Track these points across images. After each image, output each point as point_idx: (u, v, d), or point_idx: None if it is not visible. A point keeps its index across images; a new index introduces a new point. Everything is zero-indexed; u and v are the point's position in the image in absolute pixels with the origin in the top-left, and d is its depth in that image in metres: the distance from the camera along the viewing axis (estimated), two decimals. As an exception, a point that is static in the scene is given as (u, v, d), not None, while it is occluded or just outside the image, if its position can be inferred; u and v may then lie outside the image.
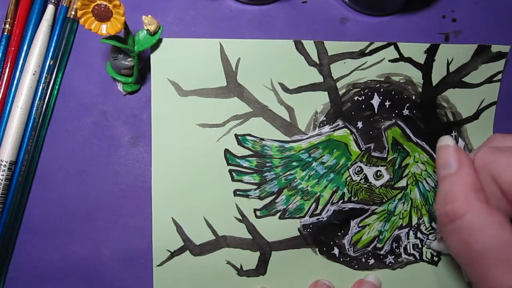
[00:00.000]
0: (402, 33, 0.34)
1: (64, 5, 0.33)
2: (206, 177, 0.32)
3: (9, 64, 0.32)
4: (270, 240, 0.33)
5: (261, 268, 0.33)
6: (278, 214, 0.33)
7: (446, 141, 0.27)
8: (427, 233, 0.34)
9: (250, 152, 0.33)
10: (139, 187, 0.33)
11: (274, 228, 0.33)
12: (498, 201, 0.24)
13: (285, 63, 0.32)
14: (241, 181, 0.33)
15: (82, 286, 0.33)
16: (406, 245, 0.34)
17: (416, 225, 0.34)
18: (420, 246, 0.34)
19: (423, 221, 0.34)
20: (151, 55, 0.31)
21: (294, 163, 0.33)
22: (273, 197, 0.33)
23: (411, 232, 0.34)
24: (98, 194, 0.33)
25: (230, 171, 0.32)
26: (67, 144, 0.33)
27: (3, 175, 0.31)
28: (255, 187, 0.33)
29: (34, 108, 0.32)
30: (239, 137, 0.32)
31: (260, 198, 0.33)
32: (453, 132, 0.34)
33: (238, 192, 0.32)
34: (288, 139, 0.33)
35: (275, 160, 0.33)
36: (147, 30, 0.29)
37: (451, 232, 0.25)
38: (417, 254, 0.34)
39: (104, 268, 0.33)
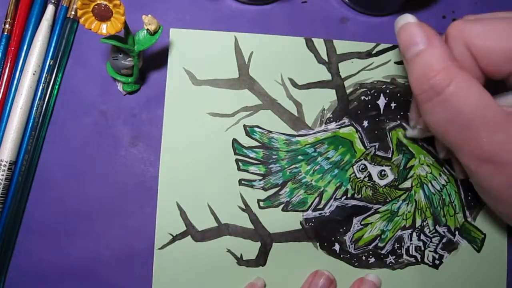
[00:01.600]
0: None
1: (64, 5, 0.33)
2: (213, 165, 0.33)
3: (9, 64, 0.32)
4: (272, 231, 0.33)
5: (261, 259, 0.33)
6: (281, 206, 0.33)
7: (406, 19, 0.26)
8: (431, 236, 0.34)
9: (257, 144, 0.33)
10: (139, 187, 0.33)
11: (276, 220, 0.33)
12: (471, 71, 0.25)
13: (296, 59, 0.34)
14: (247, 171, 0.33)
15: (82, 286, 0.33)
16: (408, 246, 0.34)
17: (419, 227, 0.34)
18: (422, 248, 0.33)
19: (427, 223, 0.34)
20: (170, 44, 0.33)
21: (300, 157, 0.34)
22: (277, 189, 0.33)
23: (414, 234, 0.34)
24: (98, 194, 0.33)
25: (237, 160, 0.33)
26: (67, 144, 0.33)
27: (3, 175, 0.31)
28: (260, 177, 0.33)
29: (34, 108, 0.32)
30: (248, 128, 0.33)
31: (264, 189, 0.33)
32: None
33: (243, 182, 0.33)
34: (295, 133, 0.34)
35: (281, 153, 0.34)
36: (147, 29, 0.29)
37: (437, 105, 0.24)
38: (418, 256, 0.33)
39: (104, 268, 0.33)
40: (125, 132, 0.33)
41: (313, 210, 0.33)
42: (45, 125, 0.33)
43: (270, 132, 0.34)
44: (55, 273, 0.32)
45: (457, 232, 0.34)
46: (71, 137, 0.33)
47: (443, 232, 0.34)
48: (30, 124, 0.32)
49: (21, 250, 0.33)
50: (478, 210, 0.34)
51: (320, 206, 0.33)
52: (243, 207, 0.33)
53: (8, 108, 0.32)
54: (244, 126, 0.33)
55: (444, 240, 0.34)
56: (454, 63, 0.24)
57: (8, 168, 0.31)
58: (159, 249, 0.32)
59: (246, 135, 0.33)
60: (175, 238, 0.32)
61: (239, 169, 0.33)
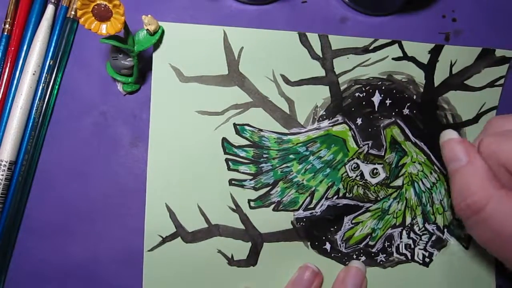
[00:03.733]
0: (402, 33, 0.34)
1: (64, 5, 0.33)
2: (202, 165, 0.32)
3: (9, 64, 0.32)
4: (263, 231, 0.33)
5: (252, 259, 0.33)
6: (272, 206, 0.33)
7: (449, 135, 0.28)
8: (420, 233, 0.34)
9: (248, 142, 0.32)
10: (139, 187, 0.33)
11: (267, 220, 0.33)
12: (509, 183, 0.25)
13: (288, 54, 0.32)
14: (237, 170, 0.32)
15: (82, 286, 0.33)
16: (398, 244, 0.34)
17: (409, 225, 0.34)
18: (412, 246, 0.34)
19: (417, 221, 0.34)
20: (154, 39, 0.31)
21: (291, 156, 0.33)
22: (268, 188, 0.33)
23: (404, 232, 0.34)
24: (98, 194, 0.33)
25: (227, 160, 0.32)
26: (67, 144, 0.33)
27: (3, 175, 0.31)
28: (250, 177, 0.33)
29: (34, 108, 0.32)
30: (238, 126, 0.32)
31: (255, 189, 0.33)
32: (452, 134, 0.34)
33: (233, 182, 0.32)
34: (286, 131, 0.33)
35: (272, 152, 0.33)
36: (147, 30, 0.29)
37: (477, 224, 0.25)
38: (408, 254, 0.34)
39: (104, 268, 0.33)
40: (125, 132, 0.33)
41: (304, 210, 0.33)
42: (45, 125, 0.33)
43: (261, 130, 0.32)
44: (55, 273, 0.33)
45: (445, 230, 0.34)
46: (71, 137, 0.33)
47: (432, 229, 0.34)
48: (30, 124, 0.32)
49: (21, 250, 0.33)
50: (468, 208, 0.34)
51: (311, 206, 0.33)
52: (234, 207, 0.32)
53: (8, 108, 0.32)
54: (234, 124, 0.32)
55: (433, 238, 0.34)
56: (492, 182, 0.25)
57: (8, 168, 0.31)
58: (149, 251, 0.32)
59: (236, 133, 0.32)
60: (164, 240, 0.32)
61: (229, 168, 0.32)
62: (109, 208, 0.33)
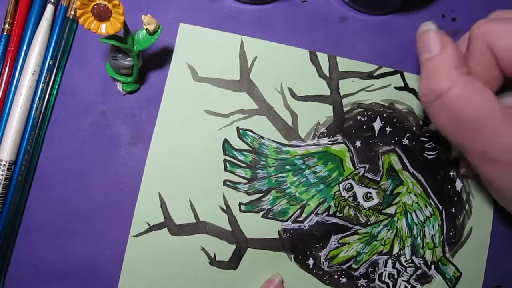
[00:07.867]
0: (401, 32, 0.35)
1: (64, 5, 0.33)
2: (200, 161, 0.33)
3: (8, 64, 0.32)
4: (249, 236, 0.33)
5: (233, 262, 0.33)
6: (262, 213, 0.33)
7: (427, 26, 0.27)
8: (406, 265, 0.33)
9: (248, 147, 0.34)
10: (139, 187, 0.33)
11: (255, 226, 0.33)
12: (489, 72, 0.26)
13: (297, 70, 0.34)
14: (233, 172, 0.33)
15: (82, 286, 0.33)
16: (382, 272, 0.33)
17: (396, 255, 0.33)
18: (396, 276, 0.33)
19: (404, 252, 0.33)
20: (177, 38, 0.33)
21: (288, 167, 0.34)
22: (260, 195, 0.33)
23: (389, 261, 0.33)
24: (98, 194, 0.33)
25: (225, 161, 0.33)
26: (66, 144, 0.33)
27: (2, 174, 0.31)
28: (245, 181, 0.33)
29: (34, 108, 0.32)
30: (240, 130, 0.34)
31: (248, 193, 0.33)
32: (452, 171, 0.34)
33: (227, 183, 0.33)
34: (286, 142, 0.34)
35: (270, 160, 0.34)
36: (147, 29, 0.29)
37: (438, 108, 0.26)
38: (390, 284, 0.33)
39: (104, 268, 0.33)
40: (125, 132, 0.33)
41: (293, 222, 0.33)
42: (44, 125, 0.33)
43: (262, 137, 0.34)
44: (55, 273, 0.32)
45: (433, 266, 0.33)
46: (71, 137, 0.33)
47: (419, 263, 0.33)
48: (30, 124, 0.32)
49: (21, 250, 0.33)
50: (458, 247, 0.34)
51: (300, 219, 0.33)
52: (224, 207, 0.33)
53: (7, 108, 0.32)
54: (238, 128, 0.34)
55: (418, 272, 0.33)
56: (459, 69, 0.25)
57: (7, 168, 0.31)
58: (134, 236, 0.32)
59: (238, 137, 0.34)
60: (151, 228, 0.33)
61: (225, 169, 0.33)
62: (108, 207, 0.33)
